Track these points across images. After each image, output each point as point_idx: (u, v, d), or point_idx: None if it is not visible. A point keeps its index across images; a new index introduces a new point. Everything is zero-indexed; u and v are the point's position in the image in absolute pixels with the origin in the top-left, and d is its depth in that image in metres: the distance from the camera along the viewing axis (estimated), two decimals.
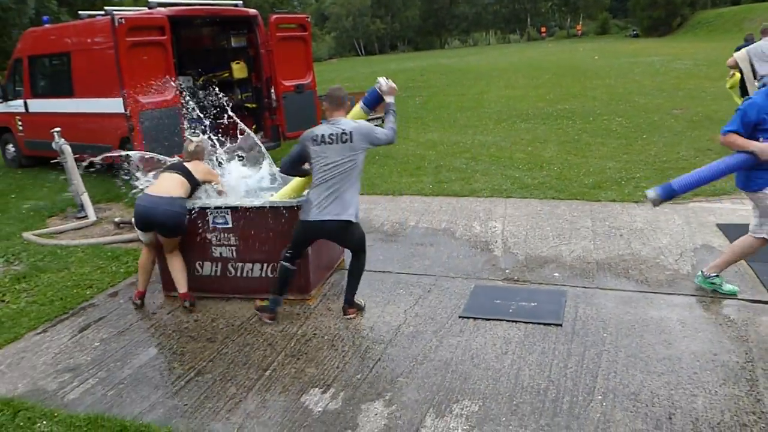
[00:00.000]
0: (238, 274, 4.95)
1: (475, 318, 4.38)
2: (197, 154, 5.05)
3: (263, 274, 4.88)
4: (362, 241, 4.50)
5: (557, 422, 3.22)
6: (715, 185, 7.26)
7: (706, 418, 3.18)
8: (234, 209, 4.82)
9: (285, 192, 4.85)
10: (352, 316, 4.52)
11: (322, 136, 4.24)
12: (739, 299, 4.47)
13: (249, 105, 10.55)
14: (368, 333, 4.30)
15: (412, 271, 5.33)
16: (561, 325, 4.22)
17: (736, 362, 3.67)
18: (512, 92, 18.74)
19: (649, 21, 69.07)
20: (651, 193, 4.35)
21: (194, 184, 4.88)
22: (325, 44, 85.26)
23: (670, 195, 4.31)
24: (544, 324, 4.25)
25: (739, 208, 6.47)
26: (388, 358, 3.95)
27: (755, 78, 8.87)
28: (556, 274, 5.06)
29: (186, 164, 4.99)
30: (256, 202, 4.79)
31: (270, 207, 4.72)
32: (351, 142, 4.25)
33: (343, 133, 4.24)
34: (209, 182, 5.01)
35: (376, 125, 4.59)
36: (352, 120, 4.43)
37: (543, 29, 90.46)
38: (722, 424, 3.13)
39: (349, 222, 4.27)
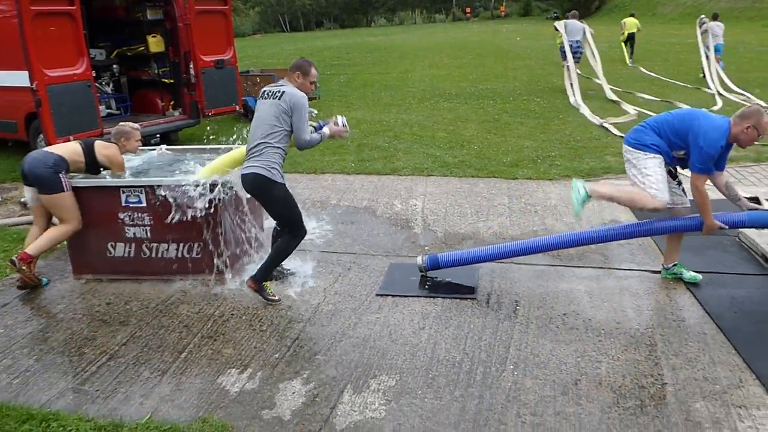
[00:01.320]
0: (153, 254, 4.82)
1: (392, 295, 4.45)
2: (116, 136, 4.87)
3: (179, 254, 4.78)
4: (285, 213, 4.34)
5: (471, 392, 3.32)
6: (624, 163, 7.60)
7: (609, 381, 3.36)
8: (149, 188, 4.68)
9: (210, 169, 4.73)
10: (250, 288, 4.40)
11: (263, 92, 4.35)
12: (642, 270, 4.72)
13: (166, 80, 10.20)
14: (287, 312, 4.29)
15: (333, 249, 5.34)
16: (476, 299, 4.35)
17: (637, 329, 3.89)
18: (436, 72, 18.91)
19: (569, 4, 70.63)
20: (419, 260, 4.62)
21: (91, 162, 4.73)
22: (248, 19, 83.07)
23: (434, 265, 4.57)
24: (460, 298, 4.36)
25: None
26: (307, 337, 3.96)
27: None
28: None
29: (98, 141, 4.82)
30: (169, 180, 4.66)
31: (184, 185, 4.60)
32: (279, 99, 4.21)
33: (278, 91, 4.27)
34: (108, 168, 4.85)
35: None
36: (287, 87, 4.32)
37: (468, 10, 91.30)
38: (623, 387, 3.31)
39: (262, 177, 4.15)
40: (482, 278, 4.66)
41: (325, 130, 4.60)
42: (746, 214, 4.30)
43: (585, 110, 11.22)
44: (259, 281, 4.39)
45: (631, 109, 11.01)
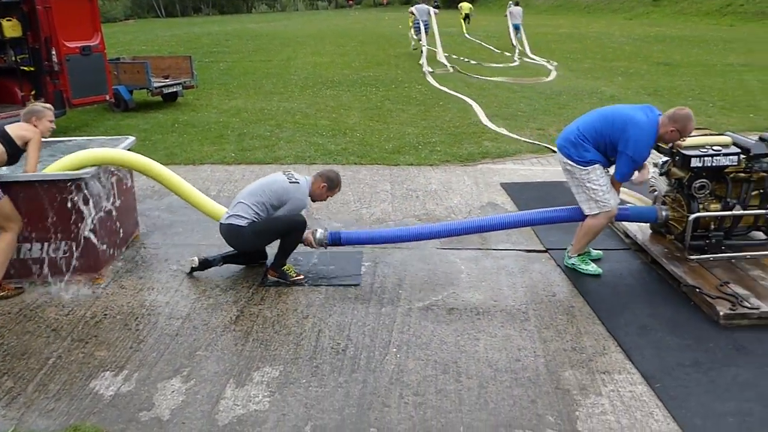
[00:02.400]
0: (15, 255, 4.48)
1: (276, 285, 4.40)
2: (26, 116, 4.40)
3: (44, 254, 4.47)
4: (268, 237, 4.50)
5: (355, 378, 3.35)
6: (500, 148, 7.94)
7: (487, 357, 3.51)
8: (4, 183, 4.33)
9: (62, 164, 4.44)
10: (272, 277, 4.49)
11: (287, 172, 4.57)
12: (517, 250, 4.95)
13: (26, 68, 9.46)
14: (164, 309, 4.14)
15: (213, 241, 5.19)
16: (359, 285, 4.39)
17: (513, 306, 4.08)
18: (319, 59, 18.82)
19: None
20: (320, 232, 4.52)
21: (12, 149, 4.24)
22: (120, 3, 78.72)
23: (335, 242, 4.55)
24: (344, 286, 4.39)
25: (520, 168, 7.14)
26: (186, 333, 3.83)
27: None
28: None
29: (9, 125, 4.32)
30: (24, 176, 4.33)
31: (46, 180, 4.31)
32: (287, 185, 4.41)
33: (295, 180, 4.44)
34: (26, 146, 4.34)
35: None
36: (303, 182, 4.46)
37: None
38: (500, 361, 3.47)
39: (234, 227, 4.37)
40: (365, 264, 4.71)
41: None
42: (630, 208, 4.64)
43: (426, 67, 15.86)
44: (278, 267, 4.44)
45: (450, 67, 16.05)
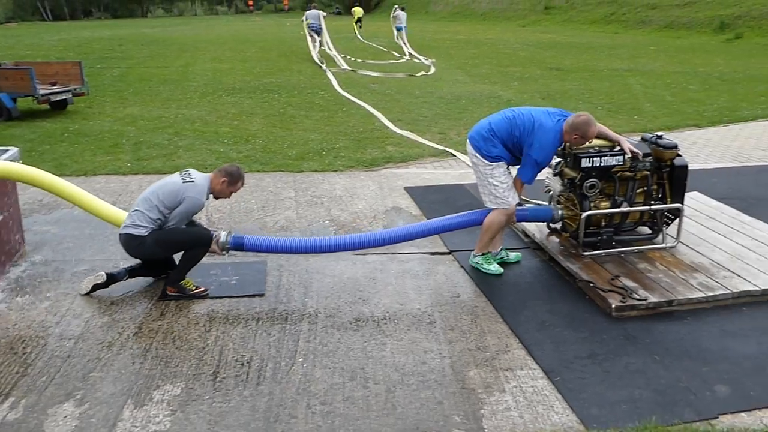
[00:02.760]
0: None
1: (176, 299, 4.24)
2: None
3: None
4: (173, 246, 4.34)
5: (261, 390, 3.27)
6: (403, 152, 8.04)
7: (393, 362, 3.52)
8: None
9: None
10: (171, 293, 4.30)
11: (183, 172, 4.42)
12: (422, 253, 5.01)
13: None
14: (55, 329, 3.88)
15: (107, 256, 4.94)
16: (264, 295, 4.30)
17: (418, 309, 4.13)
18: (219, 65, 18.40)
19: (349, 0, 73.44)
20: (223, 235, 4.36)
21: None
22: (0, 4, 73.99)
23: (238, 247, 4.40)
24: (248, 296, 4.29)
25: (423, 172, 7.25)
26: (80, 354, 3.62)
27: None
28: None
29: None
30: None
31: None
32: (181, 185, 4.23)
33: (190, 179, 4.27)
34: None
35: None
36: (200, 179, 4.29)
37: (250, 2, 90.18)
38: (406, 365, 3.49)
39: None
40: (270, 273, 4.63)
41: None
42: (528, 208, 4.83)
43: (316, 60, 18.71)
44: (176, 282, 4.24)
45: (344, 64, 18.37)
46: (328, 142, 8.61)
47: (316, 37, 20.75)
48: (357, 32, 29.47)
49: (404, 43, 23.04)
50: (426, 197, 6.33)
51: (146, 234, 4.13)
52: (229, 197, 4.47)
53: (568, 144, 4.42)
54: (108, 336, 3.81)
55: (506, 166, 4.46)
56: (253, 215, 5.86)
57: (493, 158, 4.40)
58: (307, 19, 21.14)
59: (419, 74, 16.26)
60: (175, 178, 4.30)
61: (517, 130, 4.34)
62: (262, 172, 7.23)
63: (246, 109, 11.18)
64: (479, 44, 25.82)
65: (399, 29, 24.18)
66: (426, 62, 18.94)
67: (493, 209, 4.54)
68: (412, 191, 6.52)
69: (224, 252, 4.39)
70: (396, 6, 25.61)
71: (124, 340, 3.76)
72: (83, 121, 10.17)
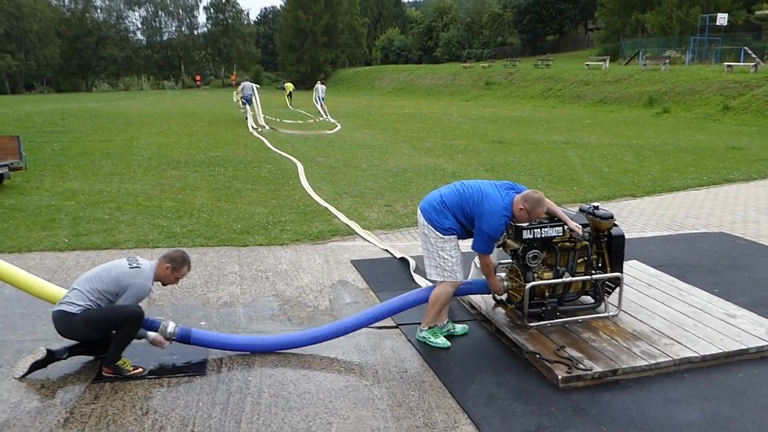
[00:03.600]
0: None
1: (112, 381, 4.05)
2: None
3: None
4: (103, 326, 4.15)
5: None
6: (349, 225, 8.05)
7: None
8: None
9: None
10: (107, 374, 4.12)
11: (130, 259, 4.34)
12: (368, 327, 4.95)
13: None
14: None
15: (38, 336, 4.71)
16: (205, 374, 4.15)
17: (365, 385, 4.04)
18: (164, 139, 18.33)
19: (297, 75, 75.25)
20: (171, 326, 4.31)
21: None
22: None
23: (184, 339, 4.35)
24: (189, 376, 4.13)
25: (369, 245, 7.26)
26: None
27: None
28: (203, 323, 4.99)
29: None
30: None
31: None
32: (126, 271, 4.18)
33: (136, 264, 4.23)
34: None
35: None
36: (146, 265, 4.25)
37: (198, 77, 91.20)
38: None
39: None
40: (213, 352, 4.48)
41: (150, 334, 4.26)
42: (473, 281, 4.87)
43: (251, 125, 22.03)
44: (111, 363, 4.09)
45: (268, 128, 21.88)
46: (274, 216, 8.57)
47: (246, 106, 23.85)
48: (288, 103, 36.01)
49: (322, 109, 28.35)
50: (372, 270, 6.32)
51: (78, 312, 3.99)
52: (175, 282, 4.41)
53: (516, 217, 4.50)
54: (37, 422, 3.58)
55: (457, 240, 4.52)
56: (195, 291, 5.72)
57: (445, 230, 4.46)
58: (243, 90, 24.52)
59: (328, 132, 20.89)
60: (122, 262, 4.22)
61: (467, 203, 4.43)
62: (205, 246, 7.11)
63: (191, 183, 11.09)
64: (424, 118, 26.56)
65: (320, 99, 29.71)
66: (335, 123, 24.18)
67: (439, 282, 4.56)
68: (358, 264, 6.51)
69: (169, 343, 4.30)
70: (318, 81, 35.61)
71: (55, 426, 3.55)
72: (19, 196, 9.89)
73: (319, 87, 30.89)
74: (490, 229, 4.33)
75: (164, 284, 4.37)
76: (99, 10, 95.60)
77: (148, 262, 4.29)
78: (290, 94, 39.07)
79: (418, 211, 4.66)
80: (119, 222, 8.17)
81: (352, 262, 6.62)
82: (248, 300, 5.53)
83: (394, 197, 9.95)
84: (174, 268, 4.28)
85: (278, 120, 25.44)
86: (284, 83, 38.70)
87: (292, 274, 6.23)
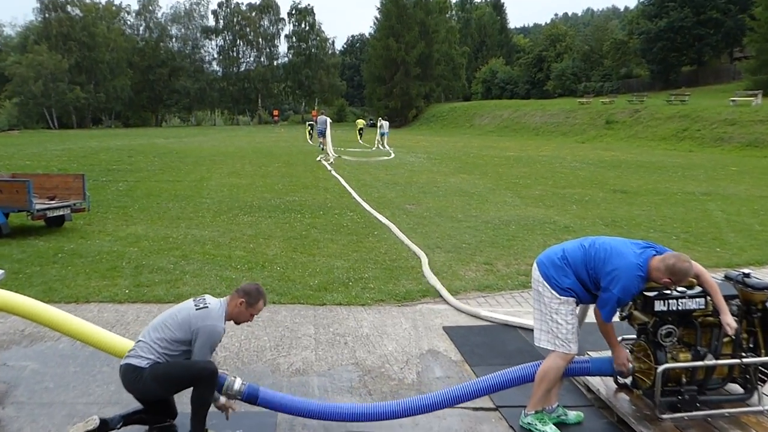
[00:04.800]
0: None
1: None
2: None
3: None
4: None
5: None
6: (451, 284, 8.01)
7: None
8: None
9: None
10: None
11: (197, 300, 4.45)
12: (464, 408, 4.85)
13: None
14: None
15: (93, 399, 4.89)
16: None
17: None
18: (237, 181, 19.05)
19: (385, 111, 76.82)
20: (238, 383, 4.38)
21: None
22: (4, 111, 78.96)
23: (251, 399, 4.39)
24: None
25: (465, 309, 7.17)
26: None
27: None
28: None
29: None
30: None
31: None
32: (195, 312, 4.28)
33: (203, 305, 4.33)
34: None
35: None
36: (215, 305, 4.35)
37: (275, 112, 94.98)
38: None
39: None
40: (280, 426, 4.50)
41: (221, 399, 4.36)
42: (590, 360, 4.70)
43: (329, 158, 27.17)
44: None
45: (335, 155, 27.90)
46: (356, 271, 8.65)
47: (325, 138, 30.98)
48: (359, 139, 44.94)
49: (382, 142, 37.32)
50: (468, 339, 6.23)
51: (146, 366, 4.09)
52: (250, 320, 4.49)
53: (656, 283, 4.30)
54: None
55: (575, 305, 4.43)
56: (264, 355, 5.80)
57: (563, 290, 4.38)
58: (317, 124, 33.51)
59: (382, 158, 28.49)
60: (188, 304, 4.33)
61: (592, 260, 4.34)
62: (278, 304, 7.24)
63: (264, 231, 11.40)
64: (531, 162, 26.38)
65: (383, 134, 38.11)
66: (389, 152, 32.17)
67: (550, 352, 4.44)
68: (452, 332, 6.43)
69: (233, 402, 4.35)
70: (380, 118, 43.57)
71: None
72: (80, 240, 10.47)
73: (384, 123, 39.02)
74: (620, 290, 4.18)
75: (238, 323, 4.46)
76: (174, 39, 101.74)
77: (217, 300, 4.38)
78: (361, 130, 47.41)
79: (534, 265, 4.60)
80: (184, 272, 8.47)
81: (445, 328, 6.56)
82: (324, 368, 5.55)
83: (494, 254, 9.84)
84: (249, 303, 4.36)
85: (342, 149, 32.85)
86: (372, 120, 45.07)
87: (374, 339, 6.22)
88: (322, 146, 32.05)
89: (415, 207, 14.47)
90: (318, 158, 26.68)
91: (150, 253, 9.59)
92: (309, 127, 46.56)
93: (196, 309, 4.24)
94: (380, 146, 36.69)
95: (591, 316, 4.62)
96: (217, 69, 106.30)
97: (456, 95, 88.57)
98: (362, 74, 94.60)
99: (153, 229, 11.51)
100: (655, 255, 4.26)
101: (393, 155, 29.96)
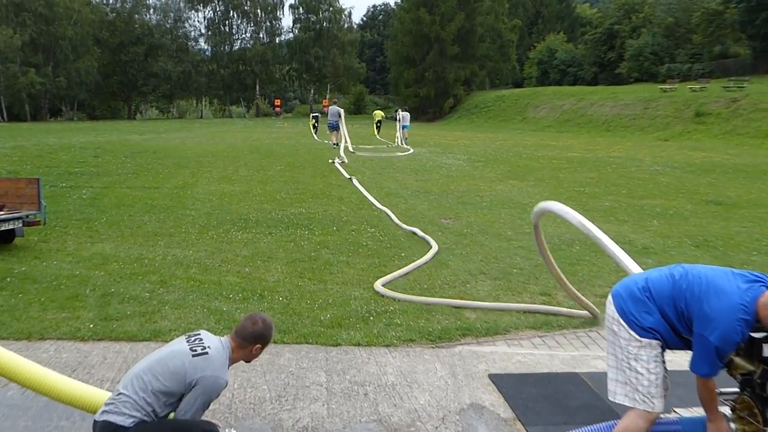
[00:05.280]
0: None
1: None
2: None
3: None
4: None
5: None
6: (488, 321, 7.99)
7: None
8: None
9: None
10: None
11: (188, 336, 4.56)
12: None
13: None
14: None
15: None
16: None
17: None
18: (229, 188, 19.18)
19: (415, 100, 76.74)
20: None
21: None
22: None
23: None
24: None
25: (516, 352, 7.14)
26: None
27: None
28: None
29: None
30: None
31: None
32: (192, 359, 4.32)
33: (203, 349, 4.39)
34: None
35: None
36: (216, 348, 4.41)
37: (277, 102, 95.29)
38: None
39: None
40: None
41: None
42: (680, 421, 4.69)
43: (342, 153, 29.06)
44: None
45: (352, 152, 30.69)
46: (379, 302, 8.64)
47: (340, 132, 33.68)
48: (376, 134, 46.37)
49: (403, 137, 39.60)
50: (521, 391, 6.19)
51: (131, 426, 4.10)
52: (258, 355, 4.68)
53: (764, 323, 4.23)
54: None
55: (660, 349, 4.39)
56: (263, 408, 5.81)
57: (644, 330, 4.36)
58: (327, 116, 35.07)
59: (400, 154, 31.92)
60: (182, 347, 4.35)
61: (683, 295, 4.31)
62: (280, 344, 7.24)
63: (263, 251, 11.44)
64: (600, 165, 26.28)
65: (403, 127, 40.16)
66: (409, 149, 34.78)
67: (627, 409, 4.39)
68: (500, 381, 6.40)
69: None
70: (399, 108, 48.15)
71: None
72: (34, 260, 10.57)
73: (404, 115, 41.40)
74: (718, 338, 4.12)
75: (247, 361, 4.63)
76: (152, 10, 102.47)
77: (217, 339, 4.40)
78: (379, 123, 48.76)
79: (609, 298, 4.58)
80: (163, 303, 8.51)
81: (491, 376, 6.53)
82: (338, 426, 5.55)
83: (554, 282, 9.76)
84: (264, 346, 4.56)
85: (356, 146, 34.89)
86: (398, 111, 45.47)
87: (402, 390, 6.21)
88: (336, 144, 33.65)
89: (452, 222, 14.47)
90: (331, 160, 26.86)
91: (120, 278, 9.66)
92: (313, 120, 50.13)
93: (194, 355, 4.26)
94: (402, 143, 38.98)
95: (676, 362, 4.56)
96: (206, 47, 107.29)
97: (504, 80, 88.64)
98: (386, 54, 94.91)
99: (124, 247, 11.60)
100: (765, 290, 4.18)
101: (411, 150, 33.57)
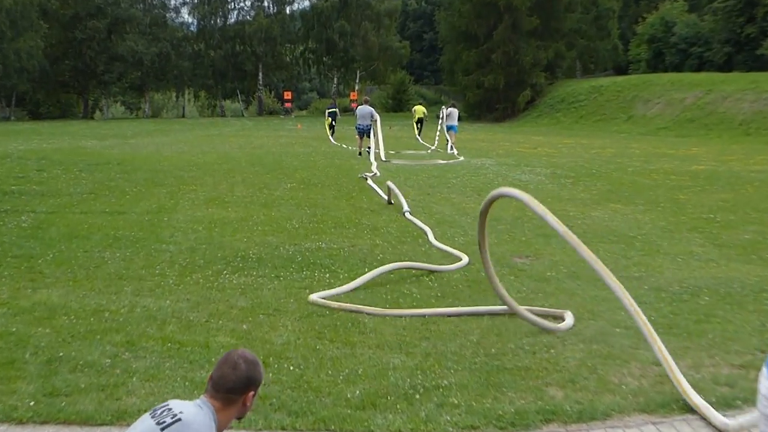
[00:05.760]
0: None
1: None
2: None
3: None
4: None
5: None
6: (580, 400, 7.92)
7: None
8: None
9: None
10: None
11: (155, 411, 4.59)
12: None
13: None
14: None
15: None
16: None
17: None
18: (221, 213, 19.21)
19: (477, 93, 76.41)
20: None
21: None
22: None
23: None
24: None
25: None
26: None
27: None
28: None
29: None
30: None
31: None
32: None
33: (172, 419, 4.41)
34: None
35: None
36: (193, 414, 4.45)
37: (288, 95, 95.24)
38: None
39: None
40: None
41: None
42: None
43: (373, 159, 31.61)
44: None
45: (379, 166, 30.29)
46: (427, 374, 8.58)
47: (361, 140, 36.14)
48: (417, 134, 50.18)
49: (450, 141, 41.79)
50: None
51: None
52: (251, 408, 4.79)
53: None
54: None
55: None
56: None
57: None
58: (355, 117, 36.75)
59: (442, 161, 34.90)
60: (146, 425, 4.38)
61: None
62: (289, 429, 7.22)
63: (267, 301, 11.42)
64: (737, 182, 26.08)
65: (450, 128, 42.63)
66: (457, 156, 37.40)
67: None
68: None
69: None
70: (444, 106, 47.43)
71: None
72: None
73: (451, 111, 44.04)
74: None
75: (240, 418, 4.74)
76: None
77: (190, 404, 4.44)
78: (419, 121, 51.81)
79: (763, 372, 4.52)
80: (129, 372, 8.52)
81: None
82: None
83: (673, 345, 9.66)
84: (257, 390, 4.61)
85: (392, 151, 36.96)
86: (447, 107, 46.59)
87: None
88: (368, 150, 34.57)
89: (530, 261, 14.38)
90: (361, 174, 27.22)
91: (72, 337, 9.68)
92: (330, 119, 52.26)
93: (163, 428, 4.27)
94: (449, 148, 41.29)
95: None
96: (190, 21, 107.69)
97: (602, 65, 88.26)
98: (437, 29, 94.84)
99: (77, 295, 11.63)
100: None
101: (462, 158, 36.09)
